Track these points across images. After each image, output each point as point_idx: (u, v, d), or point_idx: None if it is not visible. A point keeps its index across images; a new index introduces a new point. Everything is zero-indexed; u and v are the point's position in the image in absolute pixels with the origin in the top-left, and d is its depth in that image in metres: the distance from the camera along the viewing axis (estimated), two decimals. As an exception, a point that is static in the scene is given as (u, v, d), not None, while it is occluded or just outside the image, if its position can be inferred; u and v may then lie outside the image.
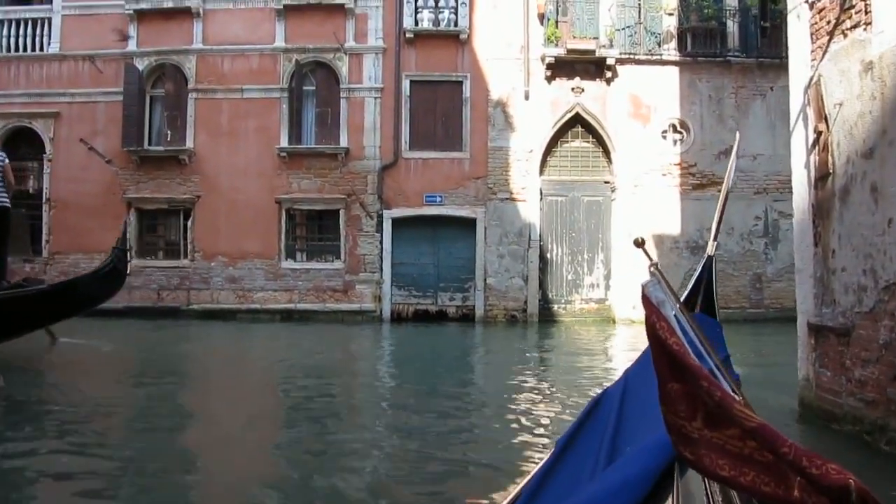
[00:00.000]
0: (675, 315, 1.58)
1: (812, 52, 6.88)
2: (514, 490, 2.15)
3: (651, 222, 18.38)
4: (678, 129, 19.07)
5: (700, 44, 19.05)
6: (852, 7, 6.07)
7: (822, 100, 6.63)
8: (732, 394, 1.26)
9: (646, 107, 18.99)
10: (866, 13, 5.87)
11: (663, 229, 18.52)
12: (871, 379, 5.87)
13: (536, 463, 3.08)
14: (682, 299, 2.85)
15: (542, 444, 6.15)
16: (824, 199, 6.69)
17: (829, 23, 6.49)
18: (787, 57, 19.09)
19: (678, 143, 19.07)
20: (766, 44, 19.13)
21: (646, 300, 1.38)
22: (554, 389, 9.35)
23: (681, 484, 1.69)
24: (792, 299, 18.39)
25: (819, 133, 6.68)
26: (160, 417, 7.52)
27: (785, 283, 18.53)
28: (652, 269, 1.66)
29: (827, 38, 6.53)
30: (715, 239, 3.72)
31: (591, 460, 2.07)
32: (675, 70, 19.03)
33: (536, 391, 9.32)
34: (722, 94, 19.08)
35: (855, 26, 6.06)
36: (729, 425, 1.10)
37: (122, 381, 9.90)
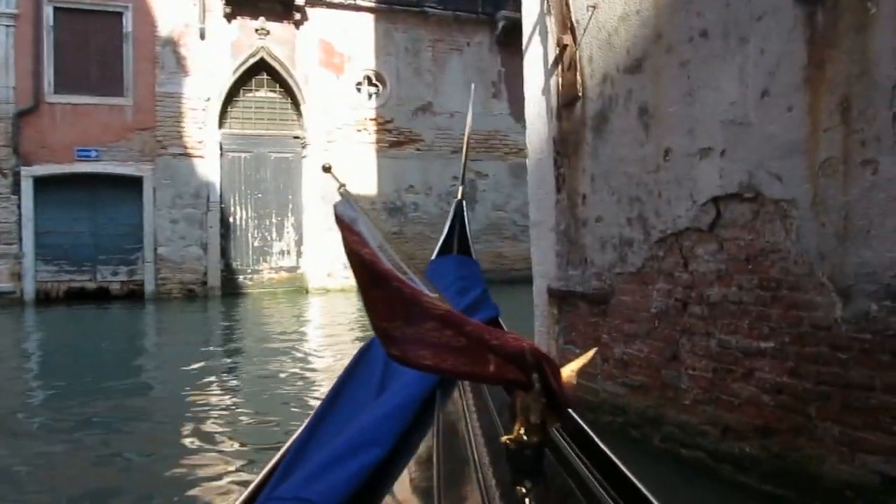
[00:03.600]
0: (369, 233, 1.48)
1: (553, -56, 5.43)
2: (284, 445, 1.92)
3: (345, 182, 16.75)
4: (374, 81, 17.62)
5: (396, -9, 17.72)
6: None
7: (567, 4, 5.21)
8: (426, 291, 1.26)
9: (339, 55, 17.27)
10: None
11: (359, 189, 16.97)
12: (639, 358, 4.57)
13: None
14: (439, 243, 3.88)
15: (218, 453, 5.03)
16: (571, 131, 5.30)
17: None
18: (483, 12, 18.73)
19: (374, 96, 17.63)
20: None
21: (339, 218, 1.42)
22: (237, 381, 7.60)
23: (441, 406, 2.03)
24: (490, 262, 18.20)
25: (563, 47, 5.26)
26: None
27: (482, 245, 17.90)
28: (342, 190, 1.56)
29: (574, -78, 5.09)
30: (462, 183, 4.23)
31: (366, 398, 2.13)
32: (370, 18, 17.52)
33: (216, 383, 7.35)
34: (419, 47, 17.94)
35: None
36: (425, 319, 1.14)
37: None
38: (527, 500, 1.11)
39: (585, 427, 1.94)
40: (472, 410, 2.00)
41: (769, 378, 3.62)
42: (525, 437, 1.12)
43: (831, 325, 3.31)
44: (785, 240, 3.52)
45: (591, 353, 1.43)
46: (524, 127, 19.11)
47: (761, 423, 3.68)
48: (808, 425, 3.43)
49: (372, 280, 1.23)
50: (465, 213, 3.91)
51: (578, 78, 5.12)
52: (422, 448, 1.85)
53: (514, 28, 18.10)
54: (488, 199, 18.26)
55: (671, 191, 4.24)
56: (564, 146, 5.39)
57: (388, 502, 1.62)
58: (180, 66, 16.08)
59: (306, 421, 2.08)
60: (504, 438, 1.15)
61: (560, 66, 5.35)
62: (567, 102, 5.29)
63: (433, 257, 3.91)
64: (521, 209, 18.60)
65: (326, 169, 1.99)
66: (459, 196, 4.04)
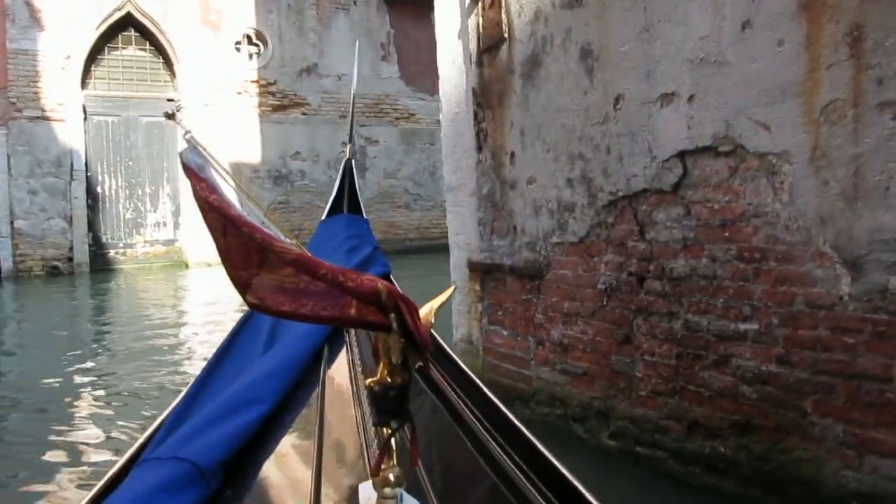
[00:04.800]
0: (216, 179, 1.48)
1: None
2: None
3: (226, 148, 15.53)
4: (254, 41, 16.39)
5: (276, -57, 16.48)
6: None
7: (489, -69, 4.47)
8: (280, 237, 1.20)
9: (215, 12, 15.93)
10: None
11: (241, 156, 15.82)
12: (582, 342, 3.94)
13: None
14: (329, 203, 3.99)
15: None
16: (495, 80, 4.58)
17: None
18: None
19: (255, 57, 16.41)
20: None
21: (185, 166, 1.41)
22: (107, 367, 6.53)
23: (328, 361, 2.04)
24: (382, 232, 17.39)
25: (485, -18, 4.53)
26: None
27: (374, 214, 17.09)
28: (188, 136, 1.53)
29: None
30: (350, 141, 4.49)
31: (252, 357, 2.10)
32: (247, -29, 16.24)
33: (83, 370, 6.27)
34: (302, 5, 16.79)
35: None
36: (282, 265, 1.12)
37: None
38: (392, 441, 1.09)
39: (463, 366, 1.94)
40: (357, 364, 2.00)
41: (750, 366, 3.05)
42: (389, 379, 1.07)
43: (835, 304, 2.74)
44: (773, 201, 2.93)
45: (449, 291, 1.32)
46: (415, 91, 18.32)
47: (740, 418, 3.11)
48: (803, 422, 2.87)
49: (223, 227, 1.21)
50: (354, 172, 4.02)
51: (503, 17, 4.40)
52: (307, 403, 1.85)
53: (404, -14, 17.43)
54: (379, 167, 17.42)
55: (624, 145, 3.59)
56: (487, 97, 4.67)
57: (271, 458, 1.60)
58: (34, 19, 14.38)
59: (190, 383, 2.00)
60: (368, 382, 1.11)
61: (480, 4, 4.61)
62: (489, 46, 4.56)
63: (323, 217, 3.98)
64: (413, 177, 17.92)
65: (169, 116, 2.68)
66: (348, 154, 4.19)
